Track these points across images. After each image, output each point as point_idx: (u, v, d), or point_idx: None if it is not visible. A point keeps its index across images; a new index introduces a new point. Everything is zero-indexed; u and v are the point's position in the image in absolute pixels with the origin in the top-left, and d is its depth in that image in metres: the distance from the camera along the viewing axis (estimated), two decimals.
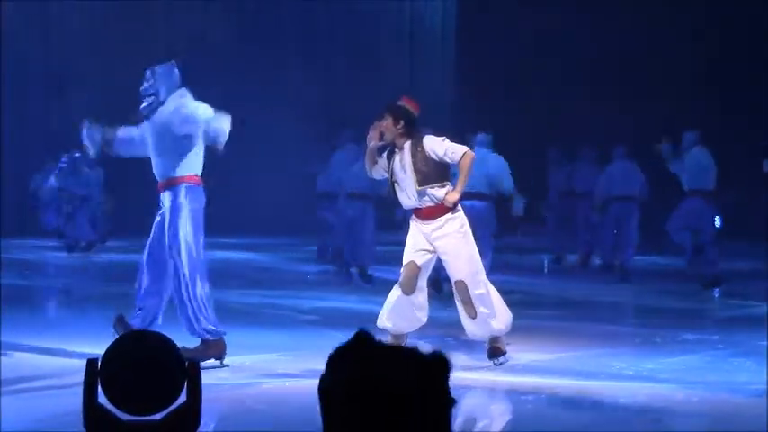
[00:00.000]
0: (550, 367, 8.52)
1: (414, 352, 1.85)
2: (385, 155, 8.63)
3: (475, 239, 8.57)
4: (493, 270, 15.77)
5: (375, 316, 8.65)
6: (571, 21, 21.81)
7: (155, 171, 8.70)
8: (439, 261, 8.61)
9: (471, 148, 9.60)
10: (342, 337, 7.00)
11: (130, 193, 18.86)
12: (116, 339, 2.58)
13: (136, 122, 8.95)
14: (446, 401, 1.81)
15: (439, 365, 1.82)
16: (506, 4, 22.89)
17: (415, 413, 1.77)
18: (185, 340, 7.93)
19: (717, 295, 14.27)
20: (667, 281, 15.16)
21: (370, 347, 1.89)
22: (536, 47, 22.43)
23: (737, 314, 12.16)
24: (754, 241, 19.30)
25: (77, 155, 16.83)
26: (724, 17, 20.61)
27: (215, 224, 22.19)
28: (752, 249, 18.74)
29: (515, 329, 8.70)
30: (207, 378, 2.61)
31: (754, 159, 19.09)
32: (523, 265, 16.92)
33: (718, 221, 20.72)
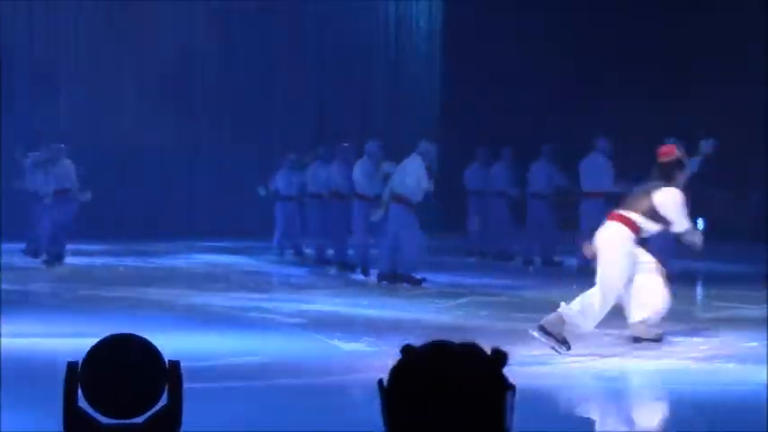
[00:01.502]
0: (534, 370, 8.53)
1: (480, 349, 1.92)
2: None
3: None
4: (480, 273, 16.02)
5: (360, 318, 8.66)
6: (556, 20, 21.86)
7: None
8: None
9: None
10: (326, 339, 6.97)
11: None
12: (96, 342, 2.56)
13: None
14: (505, 388, 1.89)
15: (501, 359, 1.90)
16: (492, 4, 22.93)
17: (483, 407, 1.86)
18: (171, 345, 7.88)
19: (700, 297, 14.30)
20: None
21: (447, 349, 1.92)
22: (523, 46, 22.45)
23: (722, 316, 12.17)
24: (739, 243, 19.36)
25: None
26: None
27: (200, 227, 22.36)
28: (737, 251, 18.80)
29: (507, 333, 8.71)
30: (195, 382, 2.60)
31: (739, 162, 19.20)
32: (509, 268, 16.95)
33: (701, 223, 20.83)
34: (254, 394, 7.87)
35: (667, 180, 9.67)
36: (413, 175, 14.06)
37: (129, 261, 17.41)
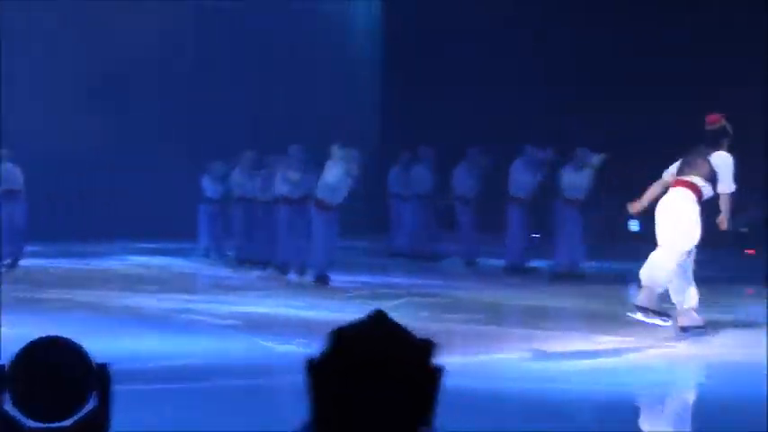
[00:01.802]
0: (471, 372, 8.59)
1: (412, 336, 1.90)
2: None
3: None
4: (412, 274, 16.07)
5: (294, 320, 8.67)
6: (501, 19, 22.00)
7: None
8: None
9: None
10: (259, 341, 6.97)
11: None
12: (24, 346, 2.55)
13: None
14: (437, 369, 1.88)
15: (432, 347, 1.89)
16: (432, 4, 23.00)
17: (413, 392, 1.83)
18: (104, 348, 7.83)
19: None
20: (585, 284, 15.34)
21: (385, 327, 1.89)
22: (464, 47, 22.55)
23: None
24: None
25: None
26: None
27: (133, 229, 22.17)
28: None
29: (435, 334, 8.74)
30: (128, 384, 2.60)
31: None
32: (442, 269, 17.04)
33: (635, 225, 21.08)
34: (187, 396, 7.85)
35: (715, 146, 10.34)
36: (332, 179, 14.52)
37: (63, 263, 17.24)
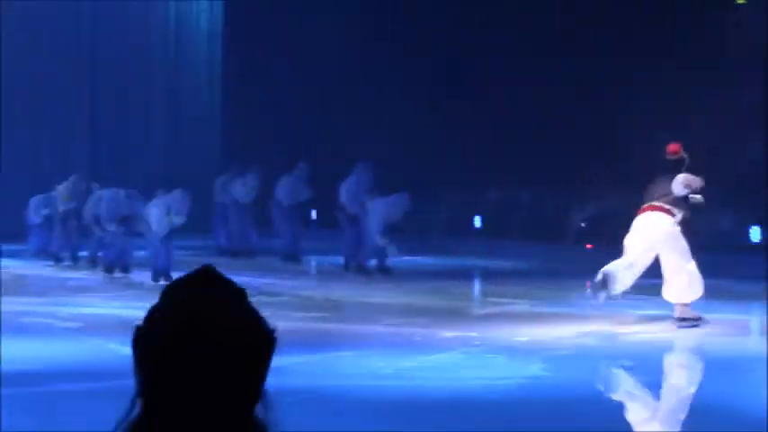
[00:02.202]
0: (312, 370, 8.67)
1: (244, 295, 1.79)
2: None
3: None
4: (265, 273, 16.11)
5: (138, 321, 8.59)
6: (341, 27, 22.10)
7: None
8: None
9: None
10: (104, 342, 6.92)
11: None
12: None
13: None
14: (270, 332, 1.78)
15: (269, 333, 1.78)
16: (275, 9, 23.00)
17: (243, 354, 1.71)
18: None
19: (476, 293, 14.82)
20: (430, 280, 15.59)
21: (214, 282, 1.77)
22: (305, 52, 22.62)
23: (495, 311, 12.63)
24: (513, 240, 20.05)
25: None
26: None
27: None
28: (510, 248, 19.48)
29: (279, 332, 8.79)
30: None
31: (511, 161, 19.89)
32: (288, 269, 17.13)
33: (478, 221, 21.53)
34: (30, 401, 7.73)
35: (676, 173, 11.63)
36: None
37: None
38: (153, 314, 1.73)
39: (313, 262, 18.10)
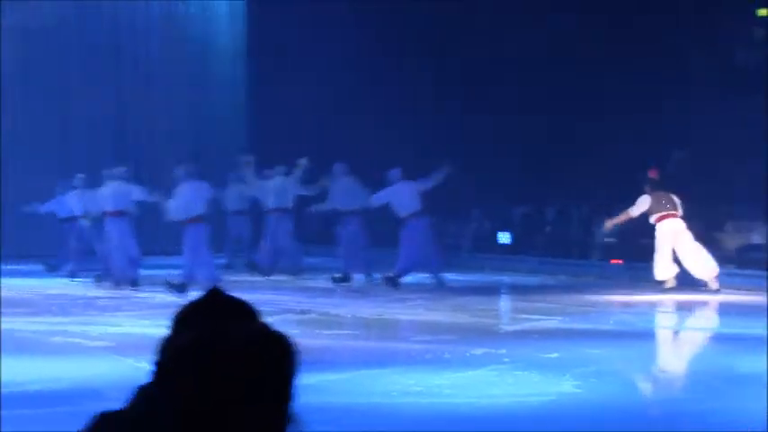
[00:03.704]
0: (342, 387, 8.63)
1: (262, 322, 1.75)
2: None
3: None
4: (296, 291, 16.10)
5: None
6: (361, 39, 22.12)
7: None
8: None
9: None
10: (133, 362, 6.93)
11: None
12: None
13: None
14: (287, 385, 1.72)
15: (286, 344, 1.73)
16: (298, 25, 23.04)
17: (258, 384, 1.67)
18: None
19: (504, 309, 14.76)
20: (457, 296, 15.54)
21: (223, 305, 1.74)
22: (330, 67, 22.64)
23: (524, 328, 12.56)
24: (540, 256, 19.99)
25: None
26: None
27: (2, 250, 21.63)
28: (537, 264, 19.42)
29: (309, 350, 8.77)
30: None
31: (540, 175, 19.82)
32: (318, 286, 17.11)
33: (505, 237, 21.47)
34: (60, 421, 7.72)
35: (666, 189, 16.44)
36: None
37: None
38: (167, 346, 1.72)
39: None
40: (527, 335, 11.89)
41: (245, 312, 1.76)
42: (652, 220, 16.37)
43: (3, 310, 13.92)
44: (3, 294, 16.07)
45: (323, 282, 17.51)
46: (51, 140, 22.84)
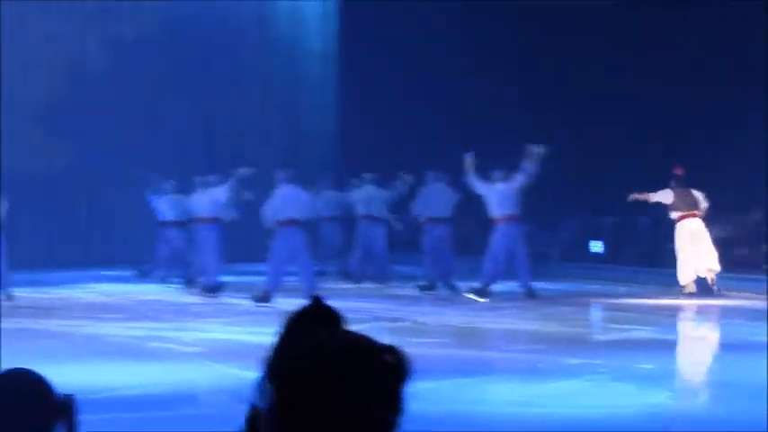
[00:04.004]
0: (436, 397, 8.57)
1: (370, 340, 1.72)
2: None
3: None
4: (380, 298, 16.08)
5: (257, 346, 8.61)
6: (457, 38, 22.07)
7: None
8: None
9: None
10: (224, 368, 6.92)
11: None
12: None
13: None
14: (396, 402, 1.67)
15: (399, 360, 1.70)
16: (387, 25, 23.04)
17: (362, 400, 1.64)
18: (69, 378, 7.77)
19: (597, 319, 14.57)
20: (550, 306, 15.40)
21: (325, 315, 1.71)
22: (419, 67, 22.62)
23: (617, 338, 12.38)
24: (635, 266, 19.73)
25: None
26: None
27: (96, 256, 22.01)
28: (629, 274, 19.16)
29: None
30: (93, 414, 2.57)
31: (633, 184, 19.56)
32: (406, 294, 17.07)
33: (598, 246, 21.20)
34: (153, 425, 7.78)
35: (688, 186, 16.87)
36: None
37: (24, 291, 17.06)
38: (273, 357, 1.69)
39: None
40: (620, 345, 11.71)
41: (343, 322, 1.74)
42: (673, 216, 16.89)
43: (98, 315, 14.13)
44: (98, 300, 16.32)
45: (412, 290, 17.45)
46: (142, 145, 23.14)
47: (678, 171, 16.94)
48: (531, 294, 16.13)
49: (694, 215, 16.75)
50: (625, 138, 20.05)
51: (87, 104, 22.91)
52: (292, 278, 15.99)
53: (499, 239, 16.36)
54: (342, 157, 24.26)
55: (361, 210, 18.73)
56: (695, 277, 16.53)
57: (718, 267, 16.40)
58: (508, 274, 16.56)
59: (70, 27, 22.91)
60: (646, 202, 17.28)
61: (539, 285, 17.04)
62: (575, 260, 20.79)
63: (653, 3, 19.90)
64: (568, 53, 21.36)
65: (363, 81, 23.66)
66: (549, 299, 16.40)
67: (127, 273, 19.67)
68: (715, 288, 16.38)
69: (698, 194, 16.76)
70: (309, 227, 15.85)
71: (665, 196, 16.85)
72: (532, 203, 17.70)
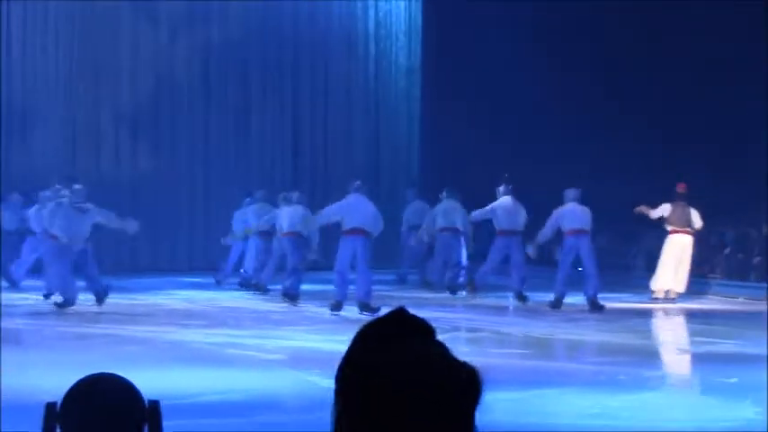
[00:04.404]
0: (515, 407, 8.53)
1: (449, 353, 1.69)
2: None
3: None
4: (461, 308, 16.05)
5: (337, 354, 8.63)
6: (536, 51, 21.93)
7: None
8: None
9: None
10: (305, 376, 6.97)
11: None
12: (75, 382, 2.56)
13: None
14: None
15: (473, 376, 1.68)
16: (471, 39, 22.99)
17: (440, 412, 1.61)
18: (151, 383, 7.84)
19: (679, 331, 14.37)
20: (630, 318, 15.24)
21: (408, 325, 1.68)
22: (503, 78, 22.52)
23: (700, 351, 12.22)
24: (719, 278, 19.45)
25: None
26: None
27: (180, 263, 22.26)
28: (717, 286, 18.89)
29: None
30: (176, 419, 2.60)
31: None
32: (489, 304, 17.01)
33: None
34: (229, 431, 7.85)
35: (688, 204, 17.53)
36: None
37: (109, 298, 17.31)
38: (349, 365, 1.67)
39: (510, 297, 17.89)
40: (703, 358, 11.56)
41: (429, 333, 1.71)
42: (667, 228, 17.66)
43: (181, 321, 14.30)
44: (181, 306, 16.51)
45: (493, 300, 17.40)
46: (228, 153, 23.40)
47: (680, 188, 17.59)
48: (595, 307, 15.99)
49: (687, 232, 17.61)
50: (719, 153, 19.78)
51: (174, 111, 23.24)
52: (376, 287, 16.10)
53: (567, 252, 16.46)
54: (425, 169, 24.31)
55: (441, 222, 18.91)
56: (666, 288, 17.55)
57: (683, 290, 17.52)
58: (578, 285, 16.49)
59: (159, 33, 23.25)
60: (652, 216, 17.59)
61: (622, 297, 16.86)
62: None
63: None
64: (656, 53, 21.11)
65: (446, 95, 23.65)
66: (631, 310, 16.23)
67: (210, 280, 19.87)
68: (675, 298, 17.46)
69: (694, 213, 17.55)
70: (371, 237, 15.92)
71: (663, 211, 17.65)
72: (616, 214, 17.56)
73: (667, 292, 17.56)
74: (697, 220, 17.62)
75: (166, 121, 23.22)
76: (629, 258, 21.08)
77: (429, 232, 18.65)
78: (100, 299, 15.81)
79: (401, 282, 20.12)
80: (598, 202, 16.84)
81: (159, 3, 23.13)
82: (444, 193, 19.13)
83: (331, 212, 15.95)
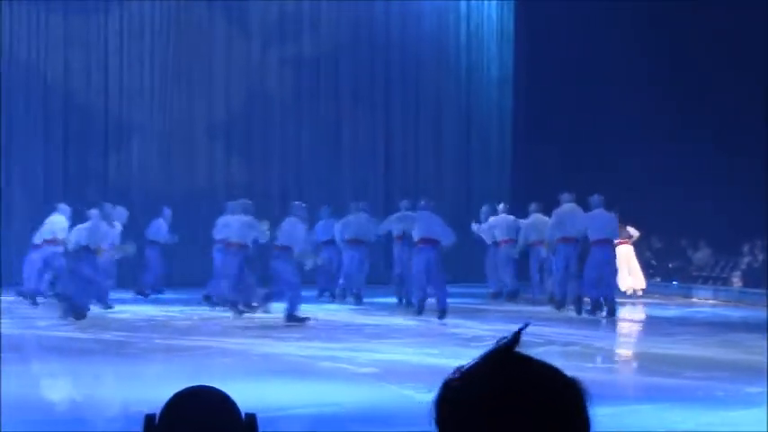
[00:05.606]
0: (609, 422, 8.43)
1: (560, 372, 1.66)
2: None
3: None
4: (554, 322, 15.92)
5: (430, 368, 8.63)
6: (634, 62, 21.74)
7: None
8: None
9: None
10: (399, 389, 6.96)
11: None
12: (173, 395, 2.58)
13: None
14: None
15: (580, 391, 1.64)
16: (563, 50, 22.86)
17: None
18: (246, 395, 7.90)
19: None
20: (728, 332, 14.98)
21: (519, 358, 1.65)
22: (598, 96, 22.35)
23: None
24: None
25: None
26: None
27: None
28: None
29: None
30: None
31: None
32: (580, 317, 16.85)
33: None
34: None
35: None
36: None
37: (203, 310, 17.52)
38: (453, 387, 1.62)
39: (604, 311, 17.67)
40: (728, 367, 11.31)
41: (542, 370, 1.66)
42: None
43: (273, 334, 14.39)
44: (272, 320, 16.61)
45: (585, 314, 17.22)
46: (320, 164, 23.56)
47: None
48: (611, 313, 16.50)
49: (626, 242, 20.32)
50: None
51: (267, 123, 23.48)
52: (468, 300, 16.16)
53: (591, 260, 16.95)
54: (516, 182, 24.20)
55: (532, 236, 18.91)
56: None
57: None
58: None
59: (252, 46, 23.52)
60: None
61: (717, 311, 16.58)
62: (758, 285, 20.15)
63: None
64: (745, 64, 20.79)
65: (538, 106, 23.55)
66: (729, 325, 15.95)
67: (305, 293, 19.97)
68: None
69: (631, 229, 20.38)
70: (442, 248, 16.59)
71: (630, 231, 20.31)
72: (714, 227, 17.29)
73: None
74: (634, 231, 20.54)
75: (259, 133, 23.45)
76: (728, 271, 20.71)
77: (550, 245, 18.34)
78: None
79: (496, 295, 19.97)
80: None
81: (252, 16, 23.41)
82: (531, 207, 19.16)
83: (403, 226, 17.36)
